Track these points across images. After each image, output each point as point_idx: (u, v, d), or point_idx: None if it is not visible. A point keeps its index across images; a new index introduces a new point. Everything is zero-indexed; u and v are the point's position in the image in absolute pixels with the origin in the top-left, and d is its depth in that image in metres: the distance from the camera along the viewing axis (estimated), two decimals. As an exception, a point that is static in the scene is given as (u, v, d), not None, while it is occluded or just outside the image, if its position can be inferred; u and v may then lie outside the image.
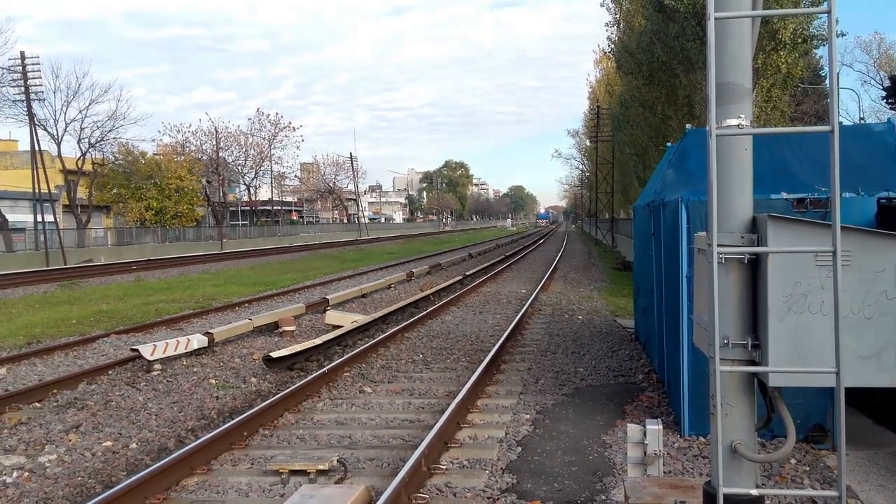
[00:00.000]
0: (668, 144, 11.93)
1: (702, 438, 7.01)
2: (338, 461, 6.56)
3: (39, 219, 43.92)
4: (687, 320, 7.03)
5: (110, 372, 10.90)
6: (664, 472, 5.36)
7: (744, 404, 3.30)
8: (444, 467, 6.56)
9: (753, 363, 3.25)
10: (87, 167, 53.69)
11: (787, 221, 3.16)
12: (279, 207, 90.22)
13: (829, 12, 2.97)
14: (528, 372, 10.48)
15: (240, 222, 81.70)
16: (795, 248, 3.09)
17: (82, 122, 52.07)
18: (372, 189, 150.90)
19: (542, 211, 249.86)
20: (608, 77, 53.10)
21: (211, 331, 12.84)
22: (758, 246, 3.21)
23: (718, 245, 3.13)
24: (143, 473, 6.12)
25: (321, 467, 6.39)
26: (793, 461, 6.51)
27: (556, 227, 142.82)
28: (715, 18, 3.09)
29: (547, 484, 6.22)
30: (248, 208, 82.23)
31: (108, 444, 7.62)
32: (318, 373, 9.98)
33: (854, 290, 3.13)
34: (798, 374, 3.16)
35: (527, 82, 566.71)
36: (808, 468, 6.38)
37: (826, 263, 3.06)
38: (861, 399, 7.49)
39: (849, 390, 3.06)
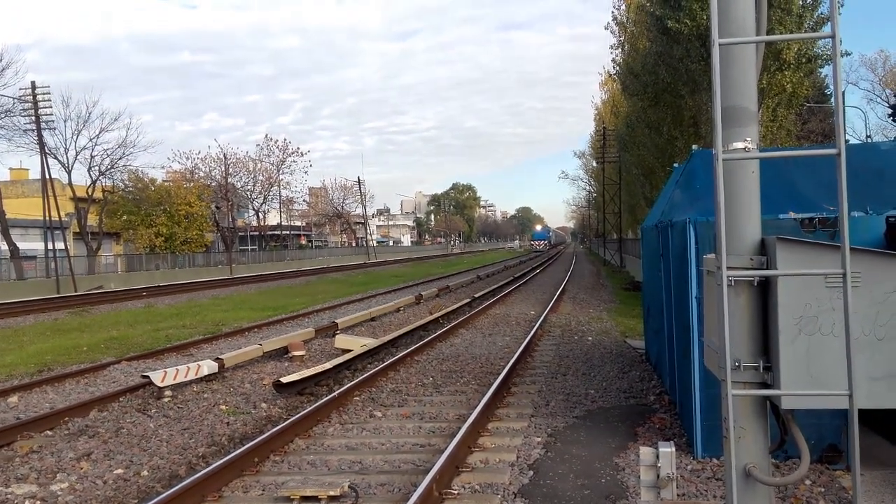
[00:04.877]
0: (675, 165, 11.96)
1: (715, 460, 6.96)
2: (349, 487, 6.54)
3: (50, 246, 44.19)
4: (697, 342, 7.00)
5: (121, 399, 10.92)
6: (678, 495, 5.32)
7: (757, 427, 3.28)
8: (455, 492, 6.53)
9: (765, 385, 3.24)
10: (98, 195, 54.14)
11: (795, 244, 3.15)
12: (288, 232, 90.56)
13: (833, 36, 2.99)
14: (538, 394, 10.44)
15: (249, 247, 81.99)
16: (805, 271, 3.08)
17: (92, 150, 52.52)
18: (380, 212, 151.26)
19: (539, 229, 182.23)
20: (613, 99, 53.28)
21: (221, 356, 12.85)
22: (767, 268, 3.20)
23: (728, 268, 3.14)
24: (154, 501, 6.12)
25: (332, 493, 6.37)
26: (807, 482, 6.45)
27: (564, 249, 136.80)
28: (719, 44, 3.12)
29: (560, 508, 6.18)
30: (257, 233, 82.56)
31: (120, 471, 7.62)
32: (328, 397, 9.98)
33: (865, 312, 3.12)
34: (810, 397, 3.14)
35: (533, 103, 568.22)
36: (822, 489, 6.32)
37: (836, 285, 3.05)
38: (876, 419, 7.42)
39: (863, 410, 3.05)
